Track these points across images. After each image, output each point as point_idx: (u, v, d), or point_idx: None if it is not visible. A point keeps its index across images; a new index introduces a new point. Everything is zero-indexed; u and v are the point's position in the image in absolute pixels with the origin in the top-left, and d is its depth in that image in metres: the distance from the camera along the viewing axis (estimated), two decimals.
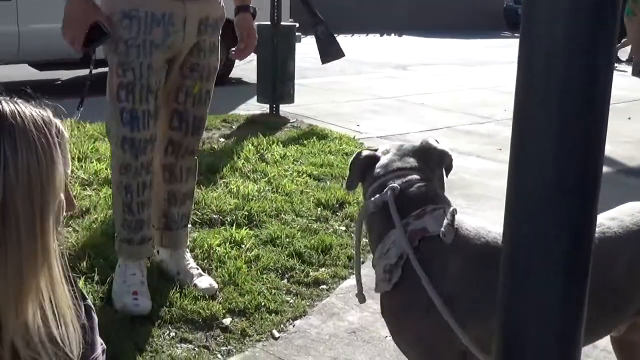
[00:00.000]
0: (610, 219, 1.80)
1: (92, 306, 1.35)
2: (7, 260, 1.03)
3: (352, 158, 1.95)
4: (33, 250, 1.05)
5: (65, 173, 1.11)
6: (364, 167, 1.88)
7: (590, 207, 1.07)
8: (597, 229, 1.75)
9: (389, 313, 1.76)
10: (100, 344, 1.35)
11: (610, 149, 6.07)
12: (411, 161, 1.83)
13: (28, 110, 1.07)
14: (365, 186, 1.88)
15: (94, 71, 2.81)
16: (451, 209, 1.74)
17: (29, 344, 1.11)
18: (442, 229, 1.67)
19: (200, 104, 2.97)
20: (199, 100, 2.97)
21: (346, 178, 1.96)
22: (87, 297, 1.35)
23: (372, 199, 1.76)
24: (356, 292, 1.91)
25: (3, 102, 1.06)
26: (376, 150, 1.94)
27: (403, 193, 1.73)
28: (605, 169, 5.90)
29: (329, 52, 7.25)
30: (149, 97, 2.76)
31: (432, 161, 1.88)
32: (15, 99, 1.09)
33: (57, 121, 1.12)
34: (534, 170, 1.07)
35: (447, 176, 1.93)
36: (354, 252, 3.54)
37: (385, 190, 1.74)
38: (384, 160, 1.85)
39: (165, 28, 2.73)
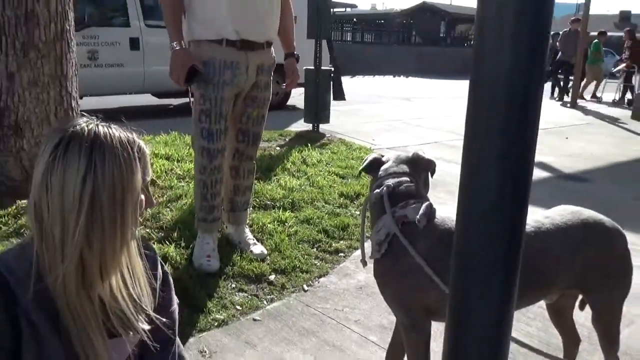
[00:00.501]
0: (545, 217, 1.70)
1: (169, 273, 1.30)
2: (93, 240, 1.00)
3: (365, 158, 1.94)
4: (113, 234, 1.02)
5: (144, 180, 1.07)
6: (371, 165, 1.85)
7: (521, 207, 0.97)
8: (534, 224, 1.66)
9: (378, 274, 1.73)
10: (175, 300, 1.30)
11: (553, 160, 5.87)
12: (404, 167, 1.80)
13: (117, 132, 1.04)
14: (371, 181, 1.86)
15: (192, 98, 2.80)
16: (427, 203, 1.69)
17: (115, 299, 1.08)
18: (417, 216, 1.63)
19: (257, 124, 2.92)
20: (257, 122, 2.92)
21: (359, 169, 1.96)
22: (165, 266, 1.30)
23: (373, 192, 1.75)
24: (360, 259, 1.87)
25: (99, 126, 1.03)
26: (382, 156, 1.91)
27: (394, 190, 1.71)
28: (548, 175, 5.77)
29: (338, 93, 7.25)
30: (221, 120, 2.72)
31: (419, 167, 1.84)
32: (110, 123, 1.06)
33: (140, 141, 1.08)
34: (480, 173, 0.97)
35: (432, 177, 1.89)
36: (365, 230, 3.48)
37: (382, 187, 1.72)
38: (385, 166, 1.82)
39: (233, 71, 2.70)
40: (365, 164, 1.88)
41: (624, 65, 12.01)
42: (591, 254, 1.67)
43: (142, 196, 1.08)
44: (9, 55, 3.27)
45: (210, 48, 2.67)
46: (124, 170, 1.01)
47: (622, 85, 12.25)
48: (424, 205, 1.66)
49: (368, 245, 1.91)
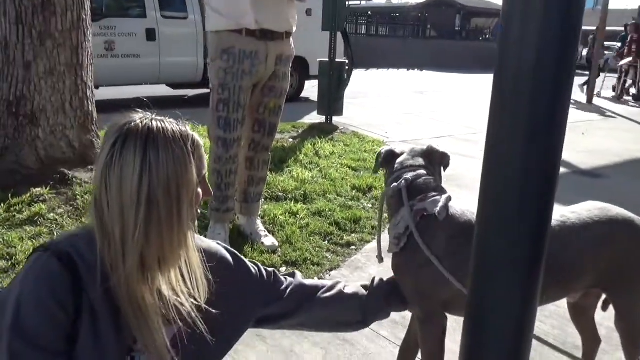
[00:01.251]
0: (571, 212, 1.65)
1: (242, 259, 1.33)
2: (152, 237, 0.99)
3: (378, 151, 1.87)
4: (171, 230, 1.01)
5: (199, 173, 1.05)
6: (385, 158, 1.81)
7: (548, 200, 0.92)
8: (559, 219, 1.60)
9: (397, 268, 1.66)
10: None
11: (569, 156, 5.76)
12: (420, 160, 1.75)
13: (170, 126, 1.02)
14: (386, 174, 1.81)
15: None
16: (446, 195, 1.65)
17: (174, 290, 1.08)
18: (437, 209, 1.59)
19: (274, 115, 2.89)
20: (274, 112, 2.89)
21: (374, 165, 1.90)
22: (234, 253, 1.33)
23: (391, 186, 1.70)
24: (377, 254, 1.81)
25: (153, 121, 1.02)
26: (395, 148, 1.85)
27: (413, 183, 1.66)
28: (565, 170, 5.65)
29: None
30: (239, 110, 2.70)
31: (434, 160, 1.79)
32: (164, 118, 1.05)
33: (193, 134, 1.06)
34: (504, 167, 0.92)
35: (444, 171, 1.84)
36: (377, 223, 3.43)
37: (400, 181, 1.67)
38: (400, 158, 1.77)
39: (252, 61, 2.68)
40: (381, 158, 1.83)
41: (629, 59, 11.47)
42: (618, 252, 1.61)
43: (199, 189, 1.07)
44: (25, 44, 3.27)
45: (230, 38, 2.65)
46: (178, 166, 1.00)
47: (623, 80, 11.81)
48: (443, 198, 1.62)
49: (385, 238, 1.87)
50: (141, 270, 1.01)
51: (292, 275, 1.46)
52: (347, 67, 6.72)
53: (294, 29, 2.85)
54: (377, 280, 1.57)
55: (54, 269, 0.97)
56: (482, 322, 1.00)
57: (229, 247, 1.33)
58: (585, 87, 11.53)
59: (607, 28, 11.44)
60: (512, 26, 0.86)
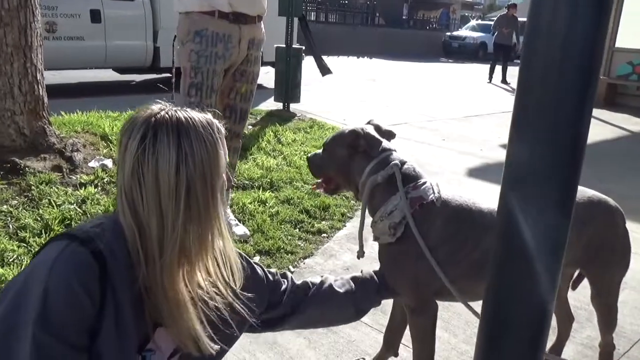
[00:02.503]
0: None
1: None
2: (191, 229, 0.99)
3: (332, 136, 1.69)
4: (208, 217, 1.01)
5: (225, 159, 1.06)
6: (353, 141, 1.62)
7: (571, 191, 0.92)
8: None
9: (389, 258, 1.61)
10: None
11: None
12: (385, 141, 1.64)
13: (197, 115, 1.02)
14: (355, 161, 1.63)
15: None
16: (435, 182, 1.62)
17: (210, 275, 1.08)
18: (436, 196, 1.56)
19: (245, 100, 2.82)
20: (245, 98, 2.82)
21: (329, 151, 1.68)
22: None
23: (378, 174, 1.57)
24: (357, 251, 1.75)
25: (179, 112, 1.00)
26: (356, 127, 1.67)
27: (402, 169, 1.59)
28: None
29: (325, 69, 7.01)
30: (212, 94, 2.62)
31: (388, 138, 1.70)
32: (184, 108, 1.04)
33: (216, 121, 1.05)
34: (529, 157, 0.91)
35: None
36: (346, 210, 3.43)
37: (389, 166, 1.57)
38: (373, 141, 1.61)
39: (225, 44, 2.59)
40: (346, 141, 1.63)
41: None
42: (596, 231, 1.67)
43: (224, 176, 1.06)
44: None
45: (202, 19, 2.54)
46: (211, 154, 0.99)
47: None
48: (435, 184, 1.60)
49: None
50: (179, 261, 0.99)
51: (285, 276, 1.45)
52: (313, 55, 6.61)
53: (266, 12, 2.78)
54: (365, 271, 1.57)
55: (84, 259, 0.92)
56: (500, 310, 1.00)
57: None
58: None
59: None
60: (541, 16, 0.84)
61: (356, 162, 1.64)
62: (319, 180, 1.78)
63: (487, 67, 12.81)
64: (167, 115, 0.98)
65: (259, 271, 1.34)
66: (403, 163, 1.61)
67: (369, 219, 1.65)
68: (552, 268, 0.95)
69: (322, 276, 1.52)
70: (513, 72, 11.27)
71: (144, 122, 0.97)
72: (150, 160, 0.94)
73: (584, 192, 1.70)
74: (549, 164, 0.90)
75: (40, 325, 0.86)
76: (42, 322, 0.87)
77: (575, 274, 1.92)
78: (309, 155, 1.80)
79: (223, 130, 1.05)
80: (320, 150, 1.76)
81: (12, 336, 0.87)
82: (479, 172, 4.67)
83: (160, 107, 1.01)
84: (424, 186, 1.58)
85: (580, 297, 2.28)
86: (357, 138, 1.63)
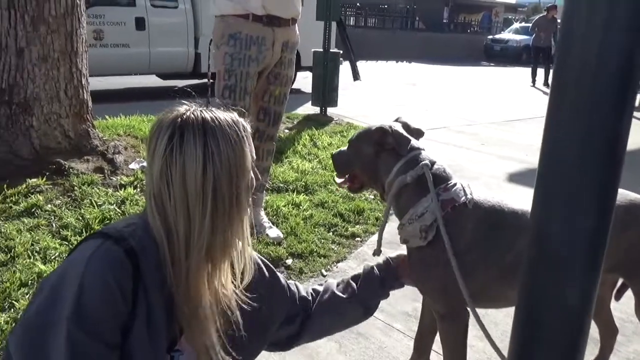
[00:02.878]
0: None
1: None
2: (217, 229, 0.98)
3: (357, 133, 1.66)
4: (233, 217, 1.01)
5: (251, 157, 1.04)
6: (380, 137, 1.58)
7: (611, 193, 0.88)
8: None
9: (420, 262, 1.54)
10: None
11: None
12: (413, 140, 1.59)
13: (222, 115, 1.02)
14: (382, 160, 1.59)
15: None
16: (467, 183, 1.56)
17: (230, 278, 1.07)
18: (469, 198, 1.50)
19: (279, 103, 2.84)
20: (279, 100, 2.83)
21: (353, 150, 1.65)
22: None
23: (406, 174, 1.52)
24: (375, 248, 1.68)
25: (204, 111, 1.00)
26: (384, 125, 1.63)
27: (432, 169, 1.53)
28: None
29: (357, 74, 6.97)
30: (246, 97, 2.65)
31: (417, 137, 1.65)
32: (210, 107, 1.04)
33: (241, 120, 1.05)
34: (564, 159, 0.88)
35: None
36: (381, 215, 3.39)
37: (418, 166, 1.51)
38: (402, 139, 1.56)
39: (259, 47, 2.62)
40: (373, 139, 1.59)
41: None
42: (638, 237, 1.58)
43: (251, 174, 1.06)
44: (18, 30, 3.15)
45: (236, 22, 2.58)
46: (237, 152, 0.99)
47: None
48: (466, 186, 1.55)
49: (389, 230, 1.80)
50: (205, 263, 0.99)
51: (295, 285, 1.42)
52: (349, 59, 6.60)
53: (300, 15, 2.79)
54: (365, 265, 1.53)
55: (118, 257, 0.93)
56: (533, 317, 0.96)
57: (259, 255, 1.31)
58: None
59: None
60: (576, 20, 0.81)
61: (383, 161, 1.59)
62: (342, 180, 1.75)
63: (530, 70, 12.49)
64: (192, 115, 0.98)
65: (281, 280, 1.32)
66: (433, 163, 1.56)
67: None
68: (589, 274, 0.90)
69: (324, 282, 1.50)
70: None
71: (171, 123, 0.98)
72: (178, 160, 0.95)
73: (625, 195, 1.62)
74: (585, 167, 0.86)
75: (75, 321, 0.88)
76: (77, 318, 0.88)
77: (619, 283, 1.84)
78: (333, 152, 1.75)
79: (249, 128, 1.05)
80: (345, 147, 1.73)
81: (48, 331, 0.89)
82: (520, 177, 4.54)
83: (186, 108, 1.01)
84: (455, 187, 1.53)
85: (625, 309, 2.17)
86: (384, 135, 1.58)
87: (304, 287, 1.44)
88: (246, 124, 1.05)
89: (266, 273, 1.27)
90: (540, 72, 11.84)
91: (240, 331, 1.09)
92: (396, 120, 1.72)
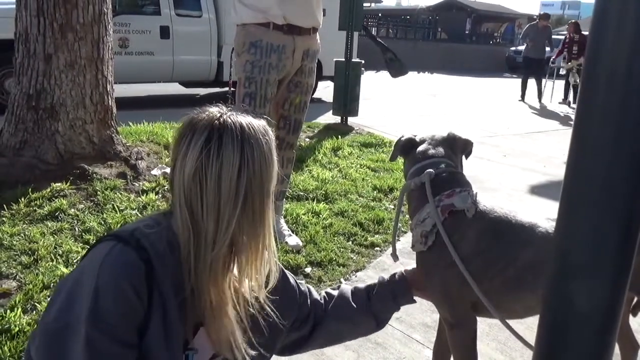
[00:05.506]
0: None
1: None
2: (244, 225, 1.00)
3: (396, 139, 1.78)
4: (261, 223, 1.03)
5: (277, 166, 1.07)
6: (404, 146, 1.72)
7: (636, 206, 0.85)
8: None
9: (422, 267, 1.58)
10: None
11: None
12: (441, 150, 1.67)
13: (254, 121, 1.03)
14: (406, 164, 1.73)
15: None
16: (474, 191, 1.58)
17: (253, 283, 1.08)
18: (467, 205, 1.51)
19: (300, 111, 2.84)
20: (299, 109, 2.84)
21: (391, 153, 1.81)
22: None
23: (412, 179, 1.61)
24: (392, 252, 1.75)
25: (239, 117, 1.01)
26: (415, 135, 1.75)
27: (437, 177, 1.58)
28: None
29: (397, 70, 6.80)
30: (266, 104, 2.66)
31: (457, 148, 1.72)
32: (239, 113, 1.04)
33: (269, 128, 1.07)
34: (592, 170, 0.85)
35: (466, 159, 1.78)
36: (400, 225, 3.37)
37: (423, 174, 1.58)
38: (421, 147, 1.68)
39: (279, 55, 2.63)
40: (400, 145, 1.73)
41: (578, 62, 10.09)
42: None
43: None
44: (46, 37, 3.22)
45: (257, 31, 2.60)
46: (268, 160, 1.01)
47: (569, 84, 10.71)
48: (471, 193, 1.54)
49: (407, 235, 1.80)
50: (227, 264, 1.01)
51: (308, 288, 1.42)
52: (393, 58, 6.52)
53: (321, 24, 2.80)
54: (380, 278, 1.52)
55: (131, 259, 0.94)
56: (557, 335, 0.93)
57: None
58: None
59: None
60: (604, 31, 0.79)
61: (405, 165, 1.75)
62: None
63: (555, 83, 11.51)
64: (230, 120, 0.99)
65: (291, 281, 1.33)
66: (442, 170, 1.60)
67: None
68: (615, 287, 0.88)
69: (338, 286, 1.50)
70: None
71: (207, 125, 0.98)
72: (215, 163, 0.96)
73: None
74: (612, 179, 0.84)
75: (92, 323, 0.88)
76: (94, 319, 0.89)
77: (636, 298, 1.79)
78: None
79: (273, 137, 1.07)
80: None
81: (66, 334, 0.89)
82: (542, 189, 4.47)
83: (219, 111, 1.02)
84: (459, 195, 1.54)
85: None
86: (397, 144, 1.75)
87: (317, 291, 1.44)
88: (272, 134, 1.07)
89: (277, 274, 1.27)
90: (533, 85, 10.71)
91: (263, 334, 1.09)
92: (449, 133, 1.76)
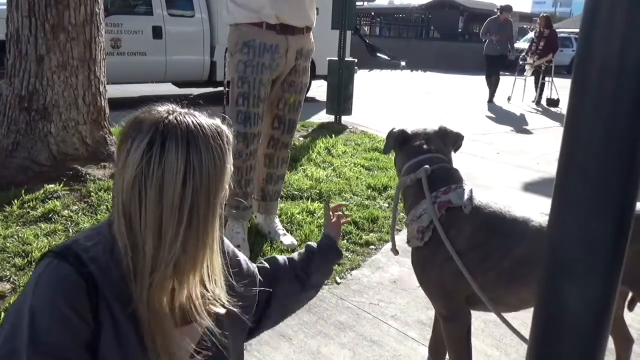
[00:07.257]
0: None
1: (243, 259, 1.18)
2: (190, 239, 0.89)
3: (388, 132, 1.79)
4: (206, 232, 0.91)
5: (231, 170, 0.95)
6: (397, 140, 1.74)
7: (629, 200, 0.86)
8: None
9: (418, 262, 1.63)
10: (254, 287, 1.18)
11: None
12: (435, 144, 1.69)
13: (206, 122, 0.91)
14: (398, 158, 1.74)
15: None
16: (470, 187, 1.60)
17: (203, 296, 0.98)
18: (464, 202, 1.54)
19: (294, 110, 2.85)
20: (293, 108, 2.84)
21: (384, 146, 1.82)
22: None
23: (408, 176, 1.62)
24: (391, 247, 1.78)
25: (187, 116, 0.89)
26: (406, 128, 1.77)
27: (433, 173, 1.60)
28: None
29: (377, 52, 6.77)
30: (259, 104, 2.65)
31: (448, 142, 1.74)
32: (192, 110, 0.93)
33: (225, 128, 0.95)
34: (581, 161, 0.86)
35: (455, 152, 1.79)
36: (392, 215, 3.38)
37: (419, 170, 1.60)
38: (415, 142, 1.69)
39: (272, 55, 2.63)
40: (392, 139, 1.74)
41: (545, 59, 9.71)
42: None
43: (227, 187, 0.96)
44: (38, 38, 3.21)
45: (250, 30, 2.60)
46: (218, 167, 0.90)
47: (541, 83, 10.10)
48: (468, 190, 1.57)
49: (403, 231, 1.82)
50: (169, 280, 0.91)
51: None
52: (388, 58, 6.55)
53: (314, 23, 2.80)
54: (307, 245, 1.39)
55: (66, 274, 0.87)
56: (553, 325, 0.94)
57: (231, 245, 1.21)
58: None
59: None
60: (595, 28, 0.80)
61: (398, 159, 1.75)
62: None
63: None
64: (175, 121, 0.88)
65: (250, 267, 1.21)
66: (439, 167, 1.61)
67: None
68: (608, 281, 0.88)
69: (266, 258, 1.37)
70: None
71: (151, 126, 0.87)
72: (156, 172, 0.85)
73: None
74: (604, 174, 0.84)
75: (32, 349, 0.83)
76: (34, 344, 0.84)
77: (630, 293, 1.80)
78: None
79: (232, 138, 0.96)
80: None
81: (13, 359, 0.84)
82: (535, 187, 4.49)
83: (167, 110, 0.90)
84: (455, 191, 1.56)
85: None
86: (389, 137, 1.76)
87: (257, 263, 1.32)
88: (229, 134, 0.95)
89: (242, 263, 1.18)
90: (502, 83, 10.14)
91: (223, 337, 1.01)
92: (439, 127, 1.77)
